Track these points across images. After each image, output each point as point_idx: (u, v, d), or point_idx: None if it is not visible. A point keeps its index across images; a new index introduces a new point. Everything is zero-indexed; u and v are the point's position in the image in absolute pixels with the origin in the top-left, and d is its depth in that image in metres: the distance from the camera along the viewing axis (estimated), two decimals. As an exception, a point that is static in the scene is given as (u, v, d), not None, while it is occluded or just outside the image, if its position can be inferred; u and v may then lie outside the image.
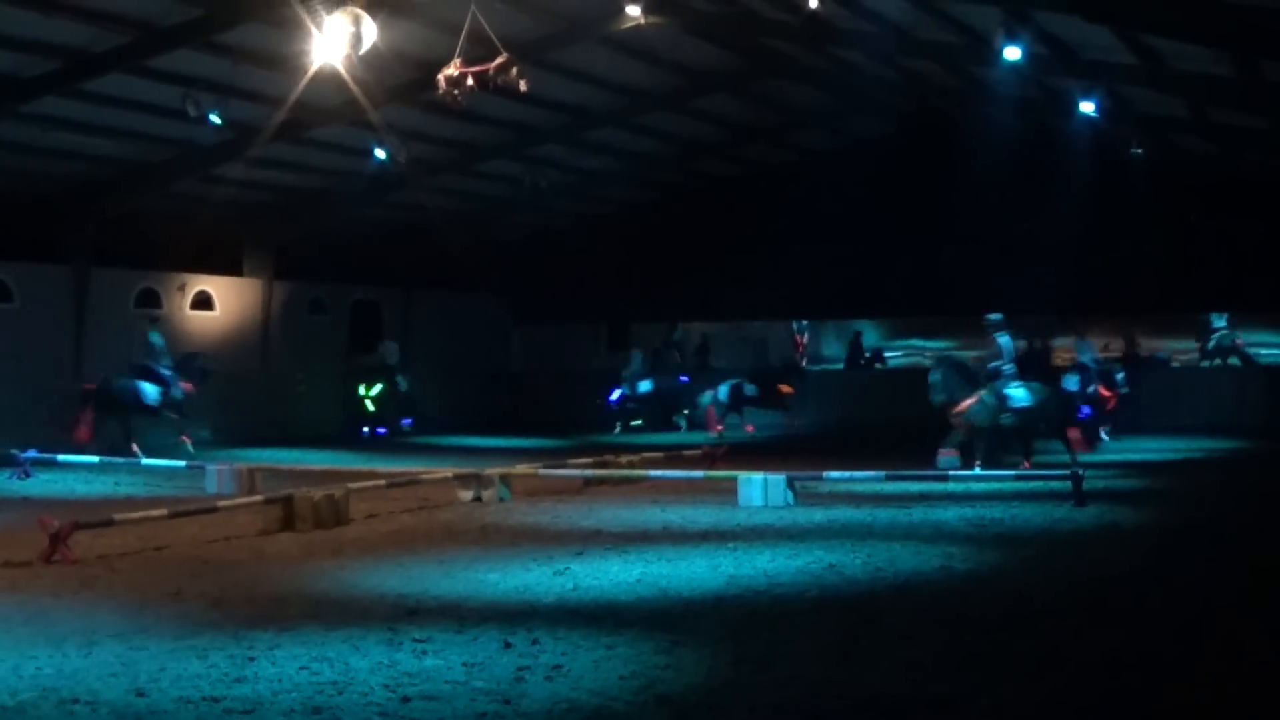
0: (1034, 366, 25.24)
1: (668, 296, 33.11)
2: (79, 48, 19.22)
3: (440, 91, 16.69)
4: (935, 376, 19.17)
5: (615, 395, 30.60)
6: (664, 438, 26.47)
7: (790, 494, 15.55)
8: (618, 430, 29.37)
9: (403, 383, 29.16)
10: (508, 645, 8.20)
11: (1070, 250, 29.06)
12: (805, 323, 39.02)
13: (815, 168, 31.00)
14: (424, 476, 16.99)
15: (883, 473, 16.72)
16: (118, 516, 12.84)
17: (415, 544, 12.70)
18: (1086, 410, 23.04)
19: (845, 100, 28.12)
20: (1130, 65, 19.51)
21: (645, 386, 30.65)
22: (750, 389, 29.27)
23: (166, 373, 22.69)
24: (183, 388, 22.95)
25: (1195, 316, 33.27)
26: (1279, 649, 8.13)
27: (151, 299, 26.91)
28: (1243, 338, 32.58)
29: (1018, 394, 18.62)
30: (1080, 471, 15.42)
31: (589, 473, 17.94)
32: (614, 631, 8.56)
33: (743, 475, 16.02)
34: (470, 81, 16.38)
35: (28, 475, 18.67)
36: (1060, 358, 31.70)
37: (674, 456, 19.88)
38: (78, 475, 19.00)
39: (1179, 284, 29.30)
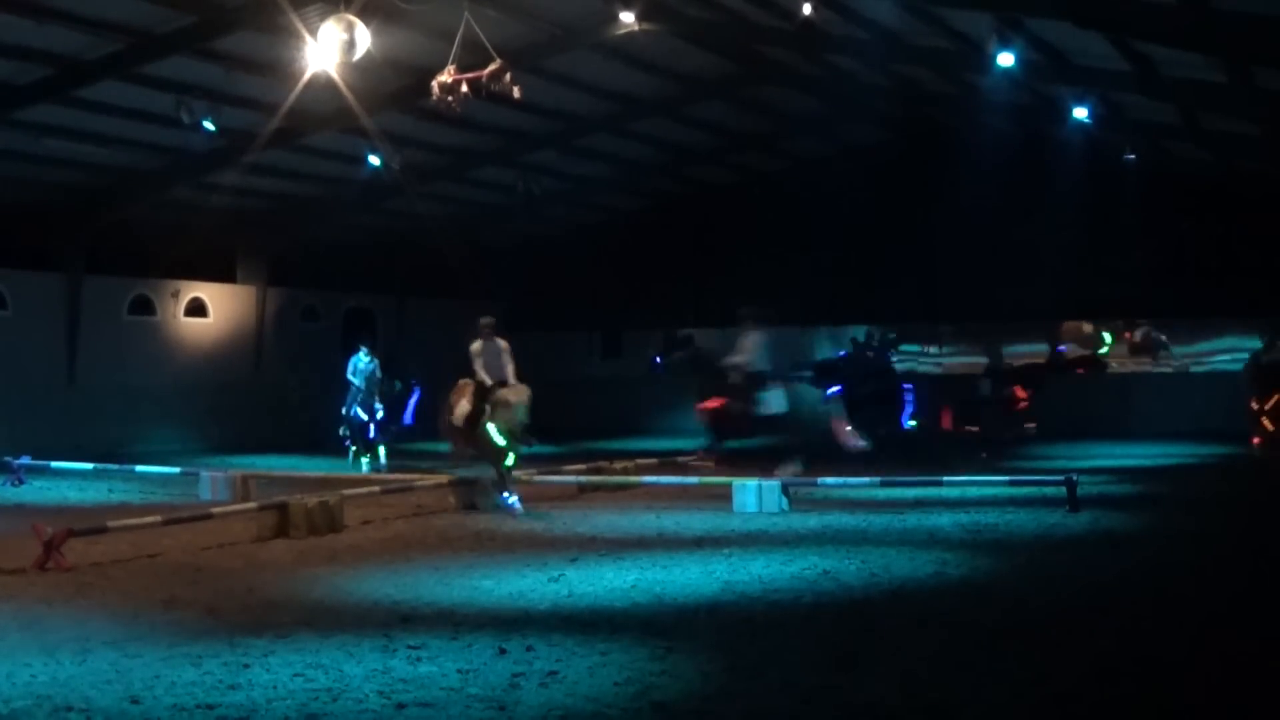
0: None
1: (661, 304, 33.10)
2: (72, 55, 19.20)
3: (434, 98, 16.70)
4: None
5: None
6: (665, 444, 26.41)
7: (785, 500, 15.57)
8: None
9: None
10: (502, 652, 8.20)
11: (1063, 256, 29.12)
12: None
13: (809, 174, 31.03)
14: (418, 483, 16.99)
15: (877, 479, 16.76)
16: (111, 523, 12.85)
17: (410, 550, 12.70)
18: None
19: (838, 107, 28.15)
20: (1123, 72, 19.56)
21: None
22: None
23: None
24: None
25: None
26: (1273, 654, 8.14)
27: (145, 306, 26.90)
28: None
29: None
30: (1074, 477, 15.44)
31: (584, 479, 17.94)
32: (609, 638, 8.56)
33: (737, 481, 16.03)
34: (464, 88, 16.38)
35: (21, 482, 18.67)
36: None
37: (668, 462, 19.89)
38: (71, 482, 18.98)
39: (1171, 290, 29.34)
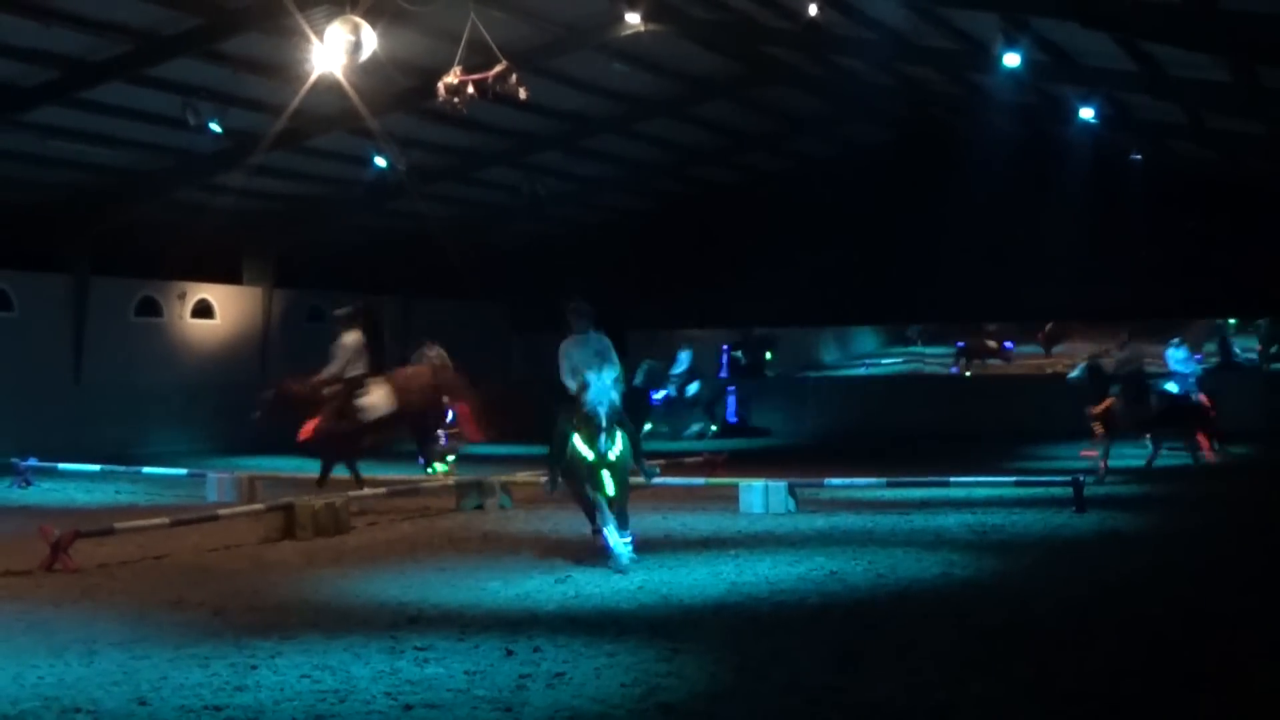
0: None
1: (666, 304, 33.07)
2: (78, 57, 19.21)
3: (440, 99, 16.71)
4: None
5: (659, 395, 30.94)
6: (666, 445, 26.44)
7: (791, 501, 15.58)
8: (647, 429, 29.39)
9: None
10: (509, 653, 8.21)
11: (1068, 256, 29.08)
12: None
13: (814, 175, 31.01)
14: (425, 484, 17.00)
15: (884, 479, 16.76)
16: (118, 525, 12.87)
17: (416, 552, 12.72)
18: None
19: (844, 107, 28.13)
20: (1128, 72, 19.53)
21: (694, 388, 31.03)
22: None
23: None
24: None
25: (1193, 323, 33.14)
26: (1278, 656, 8.14)
27: (151, 308, 26.92)
28: None
29: None
30: (1081, 478, 15.43)
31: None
32: (615, 639, 8.57)
33: (744, 482, 16.03)
34: (470, 89, 16.39)
35: (28, 484, 18.70)
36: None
37: (675, 464, 19.88)
38: (78, 484, 19.01)
39: (1177, 290, 29.29)
